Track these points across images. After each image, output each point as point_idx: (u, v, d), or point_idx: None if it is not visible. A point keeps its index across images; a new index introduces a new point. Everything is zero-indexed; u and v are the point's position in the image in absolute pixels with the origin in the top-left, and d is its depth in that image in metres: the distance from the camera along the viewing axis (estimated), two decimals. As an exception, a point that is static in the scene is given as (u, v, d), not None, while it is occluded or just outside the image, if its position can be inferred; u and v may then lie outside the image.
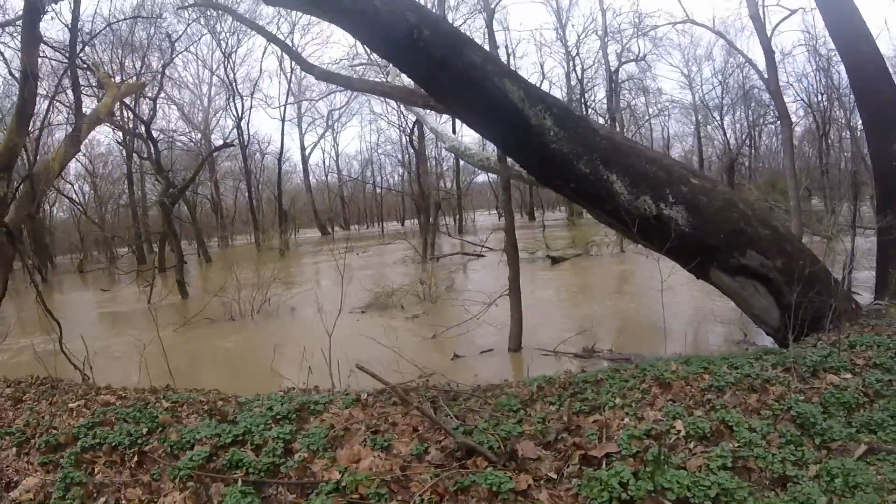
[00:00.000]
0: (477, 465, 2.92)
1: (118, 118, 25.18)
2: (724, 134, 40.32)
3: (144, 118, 22.96)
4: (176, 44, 27.22)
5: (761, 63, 14.37)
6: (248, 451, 3.29)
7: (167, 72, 27.38)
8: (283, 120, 39.14)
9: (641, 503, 2.55)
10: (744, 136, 40.32)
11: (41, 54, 17.18)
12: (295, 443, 3.35)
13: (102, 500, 3.10)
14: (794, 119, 33.03)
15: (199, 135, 39.28)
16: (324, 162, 64.02)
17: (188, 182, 24.09)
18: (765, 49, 12.68)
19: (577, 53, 41.04)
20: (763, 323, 6.38)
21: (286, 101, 39.56)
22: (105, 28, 20.51)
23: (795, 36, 43.67)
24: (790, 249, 6.11)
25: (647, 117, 44.47)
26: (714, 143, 43.96)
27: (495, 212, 55.96)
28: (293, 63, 30.47)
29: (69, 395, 4.88)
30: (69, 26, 14.45)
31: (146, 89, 24.50)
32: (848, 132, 23.39)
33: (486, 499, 2.65)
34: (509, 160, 8.03)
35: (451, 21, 31.42)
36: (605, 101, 38.92)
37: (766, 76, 13.52)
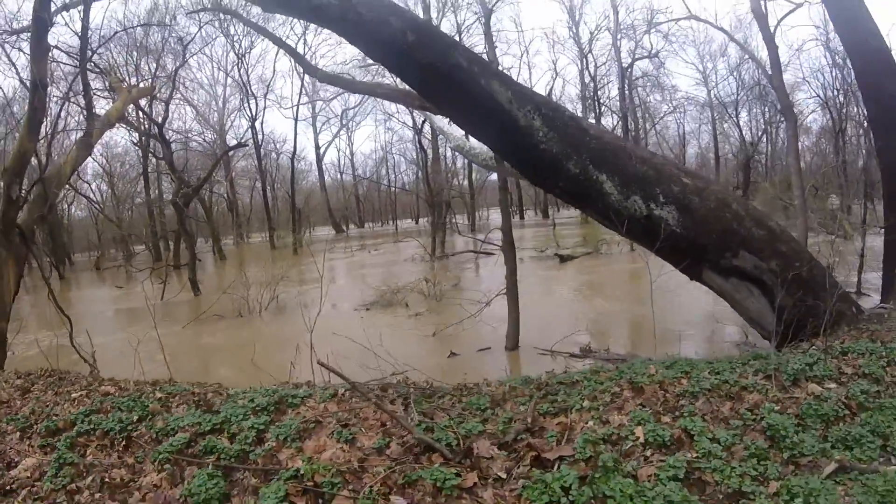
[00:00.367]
0: (432, 461, 2.97)
1: (134, 119, 25.57)
2: (740, 131, 39.80)
3: (159, 120, 23.27)
4: (190, 46, 27.58)
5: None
6: (224, 439, 3.49)
7: (182, 73, 27.75)
8: (296, 119, 39.36)
9: None
10: (760, 133, 39.83)
11: (55, 59, 17.58)
12: (267, 433, 3.51)
13: (90, 478, 3.32)
14: (812, 116, 32.72)
15: (215, 135, 39.72)
16: (339, 161, 64.39)
17: (202, 182, 24.34)
18: (768, 43, 12.48)
19: (590, 51, 40.83)
20: (758, 325, 6.28)
21: (299, 100, 39.86)
22: (114, 36, 20.76)
23: (808, 31, 42.91)
24: (786, 250, 5.99)
25: (661, 115, 44.06)
26: (730, 141, 43.45)
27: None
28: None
29: (75, 386, 5.12)
30: (79, 34, 14.70)
31: (160, 91, 24.84)
32: (863, 129, 23.01)
33: (431, 493, 2.72)
34: (506, 159, 8.09)
35: (458, 22, 31.60)
36: (618, 98, 38.62)
37: (770, 71, 13.35)
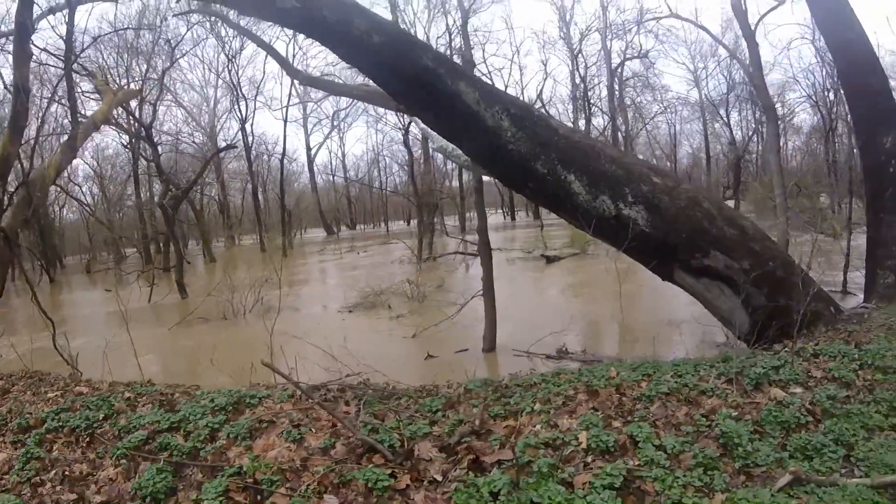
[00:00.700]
0: (373, 461, 2.98)
1: (125, 121, 25.49)
2: (731, 131, 39.91)
3: (147, 122, 23.21)
4: (180, 47, 27.57)
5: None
6: (179, 437, 3.62)
7: (173, 75, 27.68)
8: (285, 121, 39.39)
9: None
10: (750, 133, 39.94)
11: (43, 62, 17.53)
12: (220, 431, 3.60)
13: (53, 472, 3.52)
14: (804, 115, 32.81)
15: (205, 137, 39.65)
16: (330, 162, 64.15)
17: (190, 184, 24.30)
18: (748, 40, 12.45)
19: (580, 51, 40.86)
20: (731, 326, 6.26)
21: (288, 102, 39.89)
22: (96, 40, 20.70)
23: (796, 29, 42.86)
24: (758, 250, 5.95)
25: (652, 115, 44.15)
26: (722, 141, 43.56)
27: (501, 211, 55.92)
28: (294, 64, 30.66)
29: (53, 387, 5.35)
30: (64, 38, 14.71)
31: (149, 93, 24.77)
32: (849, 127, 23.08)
33: (363, 494, 2.73)
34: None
35: (448, 24, 31.60)
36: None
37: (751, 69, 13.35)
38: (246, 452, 3.30)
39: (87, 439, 3.84)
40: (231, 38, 35.20)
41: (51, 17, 16.34)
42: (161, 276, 20.68)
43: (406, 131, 28.93)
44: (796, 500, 2.58)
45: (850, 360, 4.05)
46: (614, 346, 8.43)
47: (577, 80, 41.38)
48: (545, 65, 71.34)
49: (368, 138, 76.87)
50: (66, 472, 3.44)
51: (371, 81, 7.90)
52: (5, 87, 21.36)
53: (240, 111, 38.29)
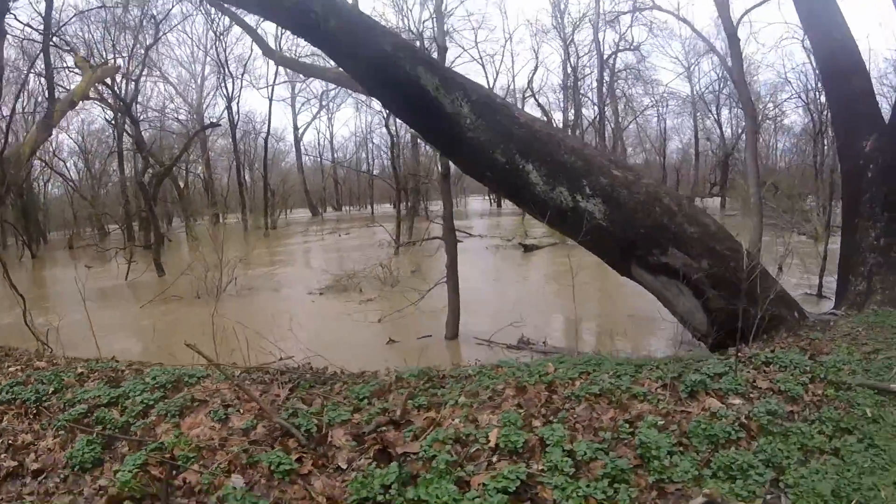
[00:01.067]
0: (287, 445, 3.00)
1: (109, 97, 25.16)
2: (720, 128, 39.94)
3: (130, 98, 22.92)
4: (168, 21, 27.16)
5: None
6: (115, 412, 3.68)
7: (161, 50, 27.30)
8: (270, 99, 39.34)
9: None
10: (740, 131, 39.96)
11: (28, 37, 17.26)
12: (154, 408, 3.64)
13: (0, 441, 3.63)
14: (794, 117, 32.81)
15: (191, 113, 39.27)
16: (318, 143, 63.53)
17: (173, 162, 24.04)
18: (729, 36, 12.33)
19: (573, 41, 40.62)
20: (689, 326, 6.15)
21: (275, 80, 39.57)
22: (73, 17, 20.48)
23: (785, 28, 42.71)
24: (720, 249, 5.81)
25: (643, 108, 44.06)
26: (712, 138, 43.58)
27: (488, 198, 55.88)
28: (282, 43, 30.41)
29: (17, 362, 5.40)
30: (42, 15, 14.51)
31: (133, 70, 24.46)
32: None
33: (266, 476, 2.76)
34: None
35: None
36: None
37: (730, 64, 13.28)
38: (173, 429, 3.36)
39: (35, 411, 3.92)
40: (220, 16, 34.73)
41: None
42: (141, 253, 20.61)
43: (388, 115, 28.77)
44: None
45: (802, 371, 3.81)
46: (587, 339, 8.42)
47: (569, 70, 41.24)
48: (536, 53, 70.68)
49: (357, 119, 76.24)
50: (11, 442, 3.56)
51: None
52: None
53: (226, 89, 37.96)
